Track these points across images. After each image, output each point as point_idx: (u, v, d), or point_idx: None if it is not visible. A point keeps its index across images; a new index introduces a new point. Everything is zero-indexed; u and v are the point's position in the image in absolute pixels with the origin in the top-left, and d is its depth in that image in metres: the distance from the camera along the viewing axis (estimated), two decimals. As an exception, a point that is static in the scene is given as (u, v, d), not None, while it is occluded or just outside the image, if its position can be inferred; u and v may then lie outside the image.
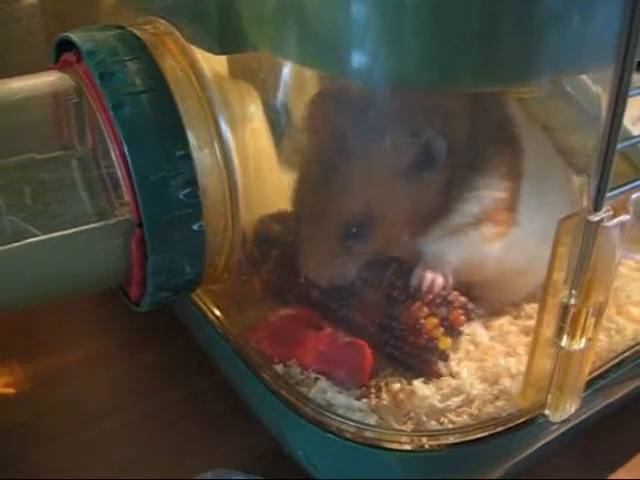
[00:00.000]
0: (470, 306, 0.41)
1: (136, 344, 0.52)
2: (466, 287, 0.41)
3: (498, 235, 0.40)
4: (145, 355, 0.51)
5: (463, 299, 0.41)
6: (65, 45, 0.38)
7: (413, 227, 0.39)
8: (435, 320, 0.39)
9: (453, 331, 0.40)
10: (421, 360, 0.39)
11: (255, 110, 0.42)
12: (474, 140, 0.39)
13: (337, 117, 0.38)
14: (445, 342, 0.39)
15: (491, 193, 0.39)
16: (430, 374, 0.39)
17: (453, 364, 0.40)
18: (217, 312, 0.44)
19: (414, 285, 0.40)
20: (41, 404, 0.47)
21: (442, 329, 0.39)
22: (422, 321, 0.39)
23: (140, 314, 0.41)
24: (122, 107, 0.33)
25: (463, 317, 0.40)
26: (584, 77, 0.39)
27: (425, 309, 0.39)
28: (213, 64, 0.38)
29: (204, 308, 0.44)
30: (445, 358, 0.39)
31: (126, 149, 0.33)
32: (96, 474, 0.42)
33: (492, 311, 0.44)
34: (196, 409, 0.47)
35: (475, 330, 0.42)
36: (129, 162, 0.33)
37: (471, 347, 0.41)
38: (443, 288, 0.40)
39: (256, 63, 0.41)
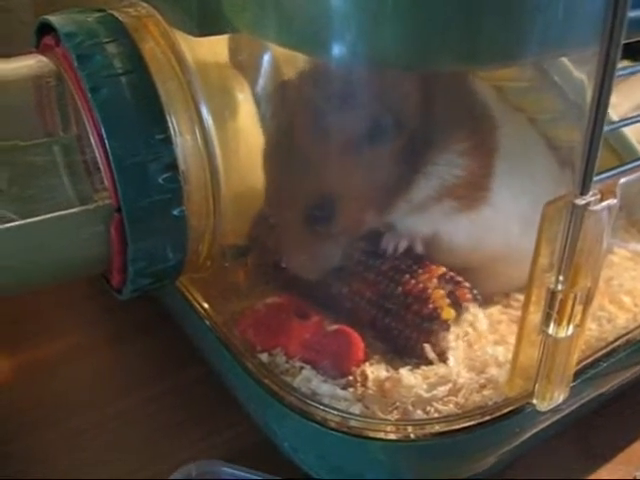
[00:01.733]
0: (475, 291, 0.41)
1: (123, 335, 0.51)
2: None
3: (465, 207, 0.40)
4: (132, 346, 0.50)
5: (468, 284, 0.41)
6: (46, 29, 0.37)
7: (377, 202, 0.39)
8: (442, 291, 0.39)
9: (458, 306, 0.40)
10: (420, 330, 0.39)
11: (243, 98, 0.41)
12: (431, 116, 0.38)
13: (293, 96, 0.38)
14: (449, 313, 0.39)
15: (453, 169, 0.39)
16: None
17: (451, 337, 0.39)
18: (203, 302, 0.43)
19: (389, 249, 0.40)
20: (28, 395, 0.47)
21: (448, 300, 0.39)
22: (429, 291, 0.39)
23: (128, 305, 0.40)
24: (100, 89, 0.33)
25: (469, 295, 0.40)
26: (568, 65, 0.38)
27: (434, 280, 0.39)
28: (197, 50, 0.37)
29: (190, 298, 0.44)
30: (446, 328, 0.39)
31: (104, 132, 0.33)
32: (81, 464, 0.42)
33: (483, 300, 0.43)
34: (183, 400, 0.46)
35: (477, 315, 0.41)
36: (107, 145, 0.33)
37: (470, 330, 0.41)
38: (409, 251, 0.40)
39: (245, 49, 0.40)
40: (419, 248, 0.40)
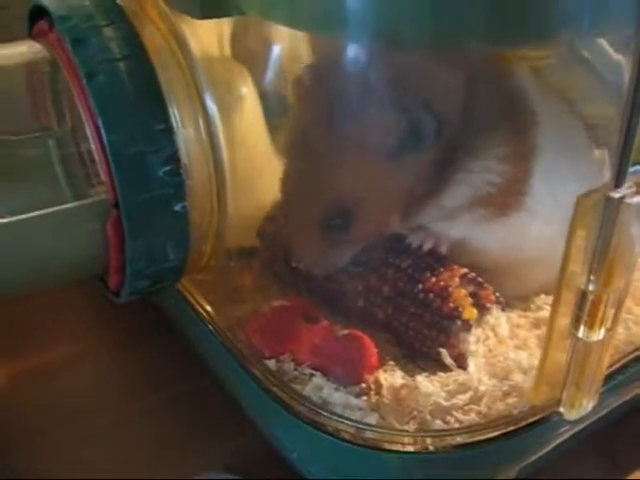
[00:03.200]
0: (497, 294, 0.39)
1: (125, 342, 0.49)
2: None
3: (499, 215, 0.38)
4: (134, 354, 0.48)
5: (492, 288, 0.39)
6: (39, 13, 0.35)
7: (401, 211, 0.37)
8: (464, 291, 0.37)
9: (481, 307, 0.38)
10: (439, 330, 0.37)
11: (247, 92, 0.39)
12: (471, 119, 0.36)
13: (319, 92, 0.35)
14: (471, 312, 0.37)
15: (488, 176, 0.36)
16: (446, 346, 0.37)
17: (472, 340, 0.37)
18: (206, 306, 0.41)
19: (413, 245, 0.38)
20: (29, 401, 0.45)
21: (470, 300, 0.37)
22: (451, 289, 0.37)
23: (129, 311, 0.38)
24: (96, 75, 0.31)
25: (492, 297, 0.38)
26: (605, 45, 0.36)
27: (456, 280, 0.37)
28: (201, 36, 0.35)
29: (192, 302, 0.42)
30: (467, 328, 0.37)
31: (100, 121, 0.30)
32: (83, 474, 0.40)
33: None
34: (187, 409, 0.44)
35: (500, 318, 0.39)
36: (103, 135, 0.30)
37: (491, 334, 0.39)
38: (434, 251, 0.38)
39: (248, 39, 0.38)
40: (443, 250, 0.38)
